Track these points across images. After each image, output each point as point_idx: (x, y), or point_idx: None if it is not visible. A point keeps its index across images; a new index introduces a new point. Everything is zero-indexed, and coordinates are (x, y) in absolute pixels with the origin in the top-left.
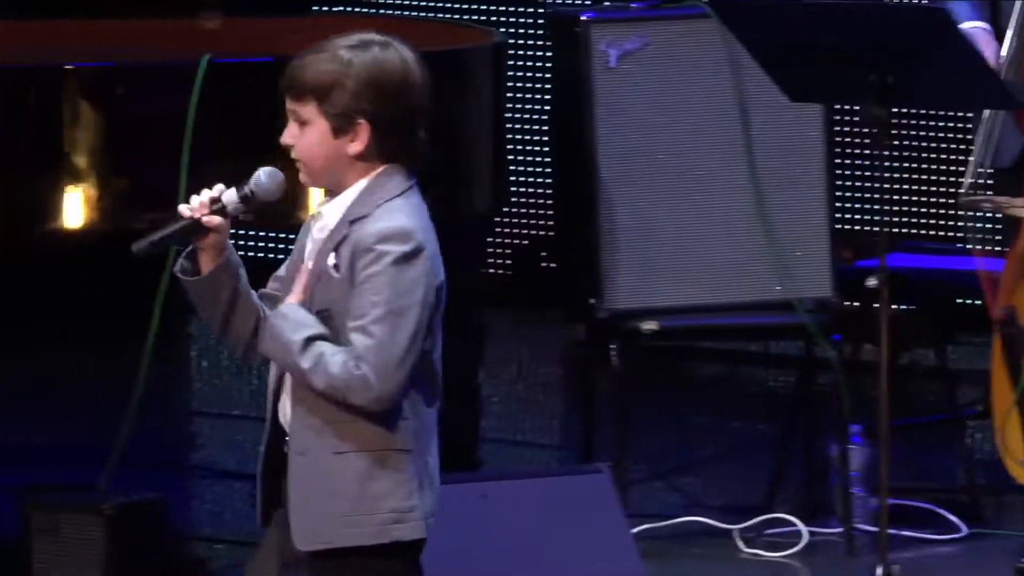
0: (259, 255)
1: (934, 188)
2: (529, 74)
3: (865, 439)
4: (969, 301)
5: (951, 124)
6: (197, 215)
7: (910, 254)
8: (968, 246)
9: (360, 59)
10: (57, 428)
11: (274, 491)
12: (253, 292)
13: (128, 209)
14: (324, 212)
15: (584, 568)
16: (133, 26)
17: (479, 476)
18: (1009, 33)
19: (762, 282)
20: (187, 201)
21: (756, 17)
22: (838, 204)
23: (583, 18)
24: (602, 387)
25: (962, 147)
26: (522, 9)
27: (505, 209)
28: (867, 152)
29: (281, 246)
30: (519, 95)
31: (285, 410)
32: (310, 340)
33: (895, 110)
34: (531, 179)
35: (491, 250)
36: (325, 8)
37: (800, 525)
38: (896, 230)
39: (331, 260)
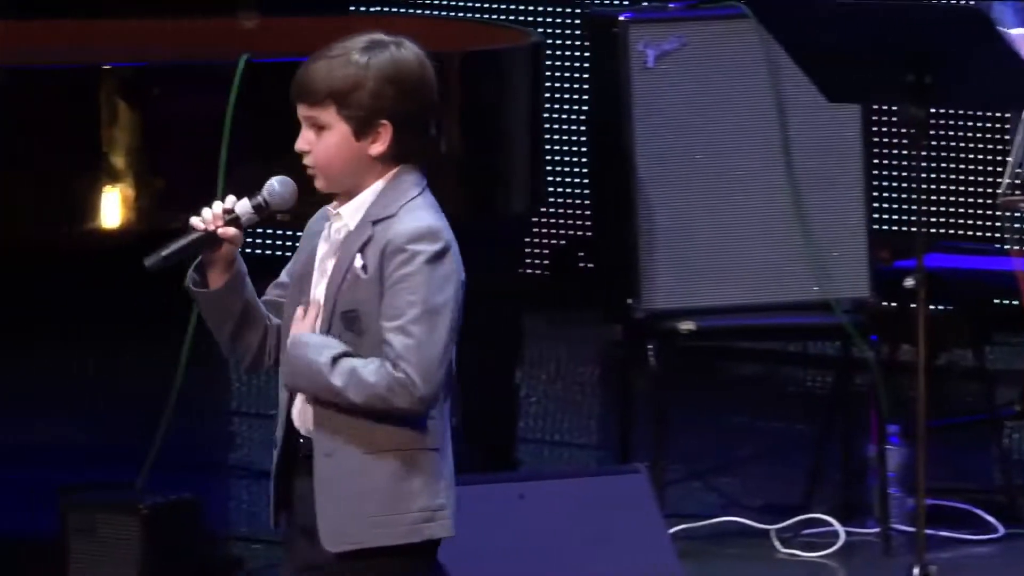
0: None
1: (972, 188)
2: (567, 75)
3: (902, 439)
4: (1007, 301)
5: (989, 124)
6: (212, 227)
7: (948, 254)
8: (1006, 246)
9: (377, 59)
10: (94, 428)
11: (287, 492)
12: (259, 300)
13: (165, 209)
14: (343, 213)
15: (621, 568)
16: (171, 26)
17: (517, 476)
18: None
19: (799, 282)
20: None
21: (794, 17)
22: (875, 204)
23: (621, 18)
24: (639, 387)
25: (1000, 147)
26: (560, 9)
27: (543, 210)
28: (905, 152)
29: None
30: (557, 96)
31: (302, 413)
32: (337, 359)
33: (932, 110)
34: (569, 179)
35: (529, 251)
36: (363, 8)
37: (837, 525)
38: (933, 230)
39: (359, 262)
